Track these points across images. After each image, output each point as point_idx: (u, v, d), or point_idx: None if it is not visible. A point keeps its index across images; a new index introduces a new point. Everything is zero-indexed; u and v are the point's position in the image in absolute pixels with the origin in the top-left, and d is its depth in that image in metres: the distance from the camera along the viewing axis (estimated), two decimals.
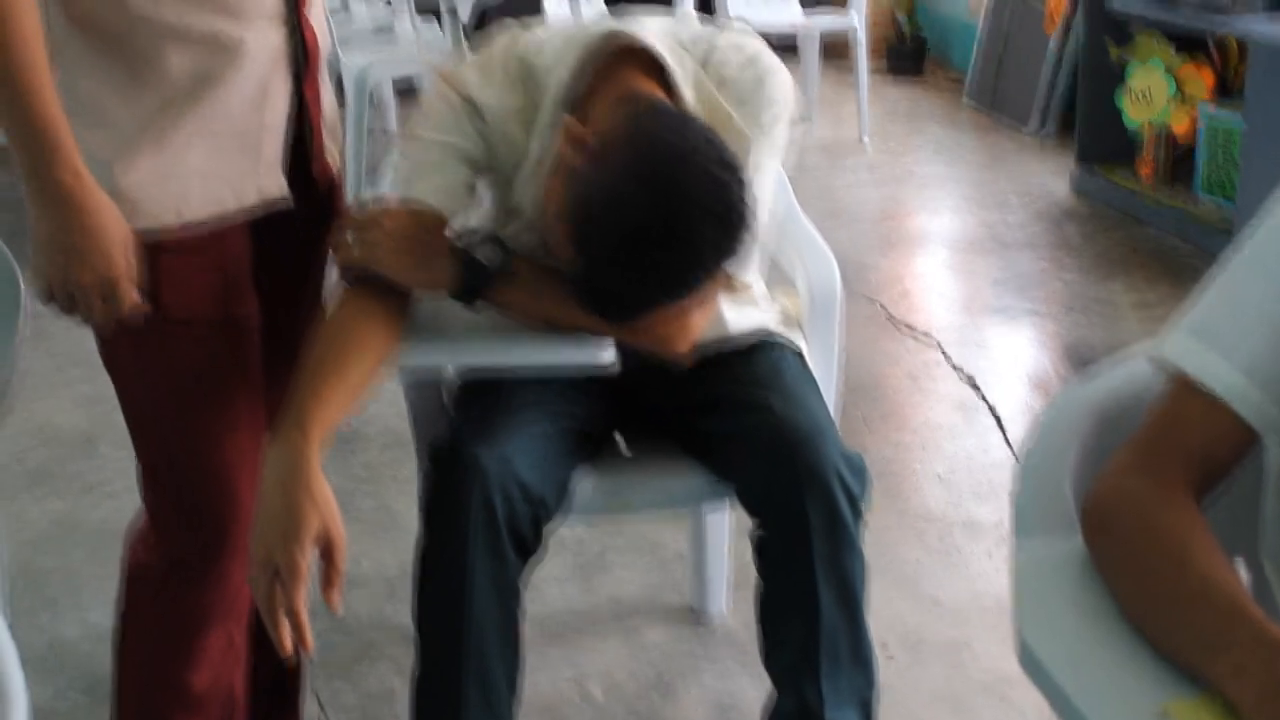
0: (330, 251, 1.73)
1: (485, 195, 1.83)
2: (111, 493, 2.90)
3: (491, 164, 1.75)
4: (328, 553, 1.43)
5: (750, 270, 1.93)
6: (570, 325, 1.66)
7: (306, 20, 1.73)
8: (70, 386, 3.25)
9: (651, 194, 1.44)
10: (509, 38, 1.78)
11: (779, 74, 1.74)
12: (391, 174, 1.81)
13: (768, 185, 1.73)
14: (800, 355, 1.94)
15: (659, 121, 1.53)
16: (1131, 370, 1.28)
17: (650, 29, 1.71)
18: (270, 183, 1.73)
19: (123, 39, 1.61)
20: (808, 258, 2.10)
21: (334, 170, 1.86)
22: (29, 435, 3.06)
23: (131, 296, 1.59)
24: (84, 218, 1.56)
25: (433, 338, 1.73)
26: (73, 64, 1.60)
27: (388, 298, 1.65)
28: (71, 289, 1.58)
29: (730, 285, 1.85)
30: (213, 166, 1.68)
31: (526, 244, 1.72)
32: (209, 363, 1.72)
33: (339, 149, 1.88)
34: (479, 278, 1.64)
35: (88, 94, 1.60)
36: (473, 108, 1.72)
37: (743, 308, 1.92)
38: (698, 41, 1.74)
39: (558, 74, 1.69)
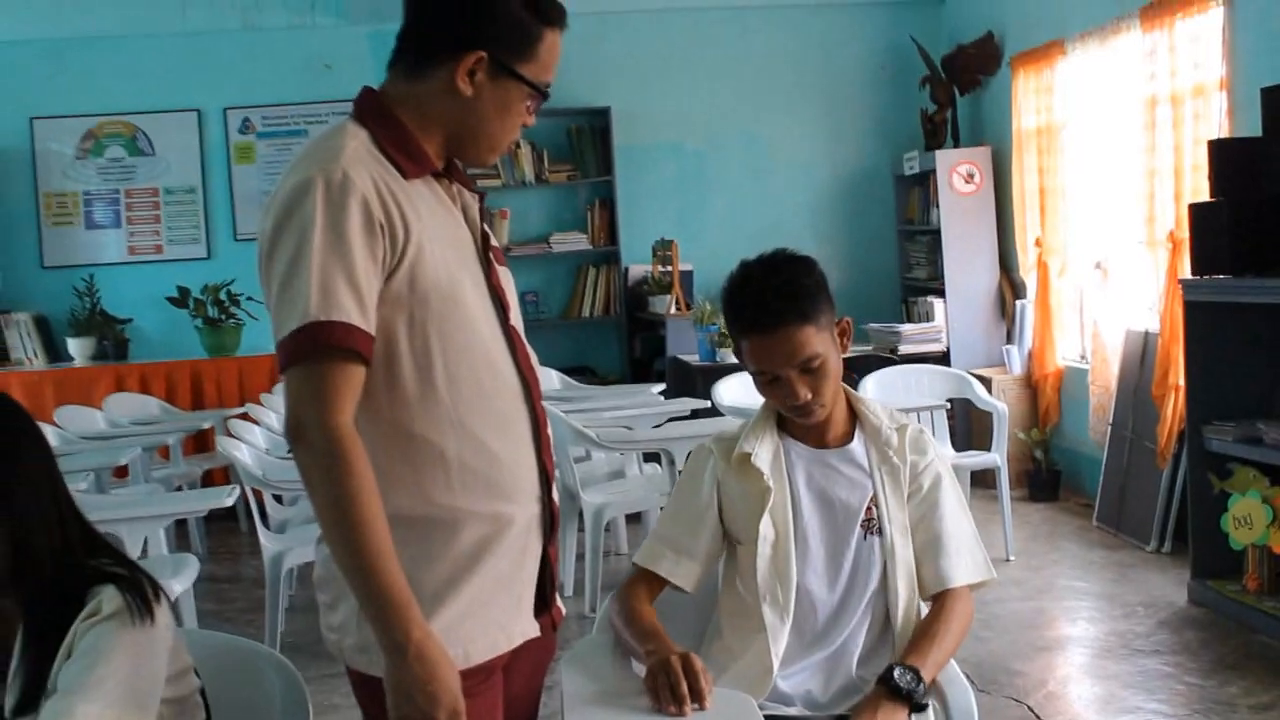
0: None
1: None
2: None
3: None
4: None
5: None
6: None
7: (553, 497, 2.01)
8: None
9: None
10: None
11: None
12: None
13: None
14: None
15: None
16: None
17: None
18: (529, 625, 1.97)
19: (427, 523, 1.85)
20: (946, 687, 2.32)
21: (563, 614, 2.08)
22: None
23: None
24: (435, 666, 1.75)
25: None
26: None
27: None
28: None
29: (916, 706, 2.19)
30: (491, 615, 1.89)
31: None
32: None
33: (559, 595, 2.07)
34: None
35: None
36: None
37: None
38: None
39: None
